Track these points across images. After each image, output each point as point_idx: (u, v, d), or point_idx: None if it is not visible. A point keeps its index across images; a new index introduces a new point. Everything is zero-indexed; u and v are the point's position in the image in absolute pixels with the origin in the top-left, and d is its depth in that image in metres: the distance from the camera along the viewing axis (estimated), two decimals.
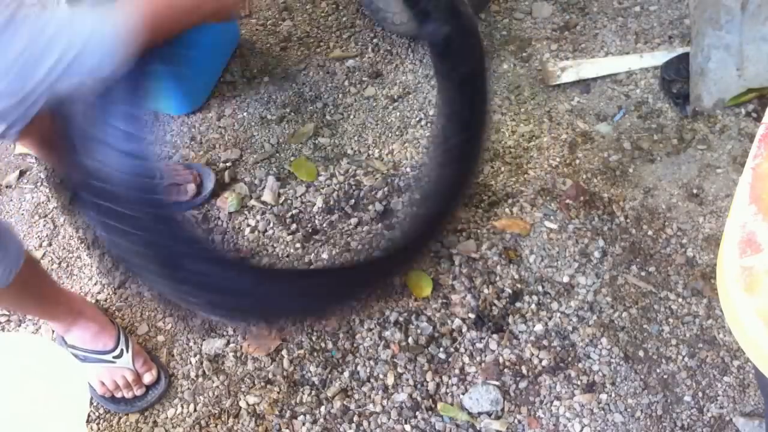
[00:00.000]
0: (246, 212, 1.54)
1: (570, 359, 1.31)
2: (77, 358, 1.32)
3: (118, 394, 1.32)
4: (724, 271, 0.65)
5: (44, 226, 1.62)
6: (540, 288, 1.39)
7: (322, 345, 1.36)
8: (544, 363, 1.31)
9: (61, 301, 1.31)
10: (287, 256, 1.46)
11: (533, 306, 1.37)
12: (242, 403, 1.32)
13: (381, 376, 1.32)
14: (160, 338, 1.42)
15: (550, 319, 1.35)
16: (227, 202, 1.55)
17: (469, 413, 1.27)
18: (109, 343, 1.34)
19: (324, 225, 1.50)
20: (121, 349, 1.34)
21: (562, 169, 1.55)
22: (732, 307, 0.63)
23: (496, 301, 1.38)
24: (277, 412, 1.31)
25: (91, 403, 1.35)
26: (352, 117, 1.70)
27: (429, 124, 1.66)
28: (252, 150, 1.66)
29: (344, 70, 1.79)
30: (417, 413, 1.28)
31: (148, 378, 1.33)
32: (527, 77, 1.73)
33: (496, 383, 1.29)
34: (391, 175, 1.55)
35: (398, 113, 1.69)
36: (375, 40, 1.84)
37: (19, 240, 1.14)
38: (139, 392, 1.33)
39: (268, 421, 1.30)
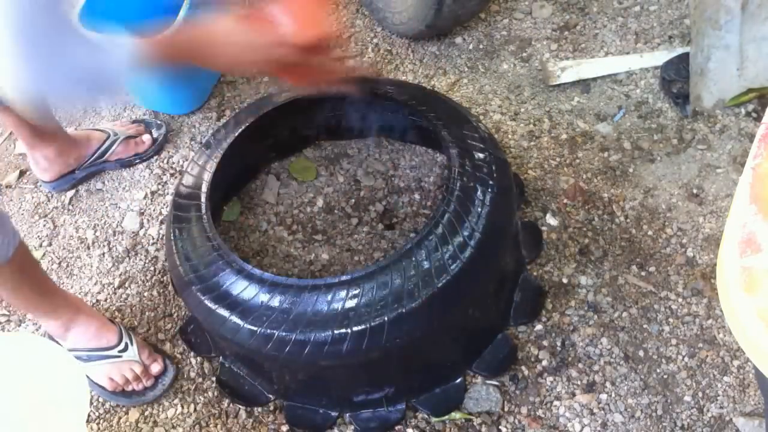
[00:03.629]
0: (247, 212, 1.54)
1: (570, 359, 1.31)
2: (80, 360, 1.32)
3: (129, 388, 1.33)
4: (724, 271, 0.65)
5: (44, 226, 1.62)
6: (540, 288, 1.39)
7: None
8: (544, 363, 1.31)
9: (58, 293, 1.31)
10: (287, 256, 1.46)
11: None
12: None
13: None
14: (161, 337, 1.42)
15: (549, 319, 1.35)
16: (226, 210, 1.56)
17: (469, 413, 1.27)
18: (113, 338, 1.34)
19: (324, 225, 1.50)
20: (126, 343, 1.34)
21: (562, 169, 1.55)
22: (732, 307, 0.63)
23: None
24: (273, 414, 1.31)
25: (91, 403, 1.35)
26: None
27: None
28: None
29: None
30: (417, 413, 1.28)
31: (156, 368, 1.34)
32: (527, 77, 1.72)
33: (496, 383, 1.29)
34: (391, 176, 1.55)
35: None
36: (375, 40, 1.84)
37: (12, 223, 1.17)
38: (148, 383, 1.33)
39: (266, 421, 1.30)
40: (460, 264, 1.14)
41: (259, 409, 1.31)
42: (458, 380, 1.28)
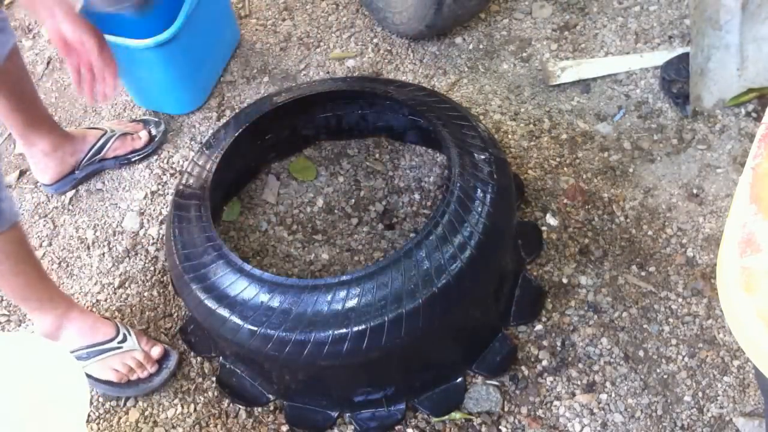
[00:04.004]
0: (247, 212, 1.54)
1: (570, 359, 1.31)
2: (81, 359, 1.32)
3: (134, 377, 1.33)
4: (724, 271, 0.65)
5: (44, 226, 1.62)
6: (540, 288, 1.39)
7: None
8: (544, 363, 1.31)
9: (54, 285, 1.32)
10: (287, 256, 1.46)
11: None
12: None
13: None
14: (161, 337, 1.42)
15: (549, 319, 1.35)
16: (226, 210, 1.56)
17: (469, 413, 1.27)
18: (110, 331, 1.34)
19: (324, 225, 1.50)
20: (124, 334, 1.35)
21: (562, 169, 1.55)
22: (732, 307, 0.63)
23: None
24: (273, 414, 1.31)
25: (91, 403, 1.35)
26: None
27: None
28: None
29: (344, 70, 1.79)
30: (417, 413, 1.28)
31: (156, 351, 1.34)
32: (527, 77, 1.73)
33: (496, 383, 1.29)
34: (391, 176, 1.55)
35: None
36: (375, 40, 1.84)
37: None
38: (152, 370, 1.33)
39: (266, 421, 1.30)
40: (460, 264, 1.14)
41: (259, 409, 1.31)
42: (458, 380, 1.28)
